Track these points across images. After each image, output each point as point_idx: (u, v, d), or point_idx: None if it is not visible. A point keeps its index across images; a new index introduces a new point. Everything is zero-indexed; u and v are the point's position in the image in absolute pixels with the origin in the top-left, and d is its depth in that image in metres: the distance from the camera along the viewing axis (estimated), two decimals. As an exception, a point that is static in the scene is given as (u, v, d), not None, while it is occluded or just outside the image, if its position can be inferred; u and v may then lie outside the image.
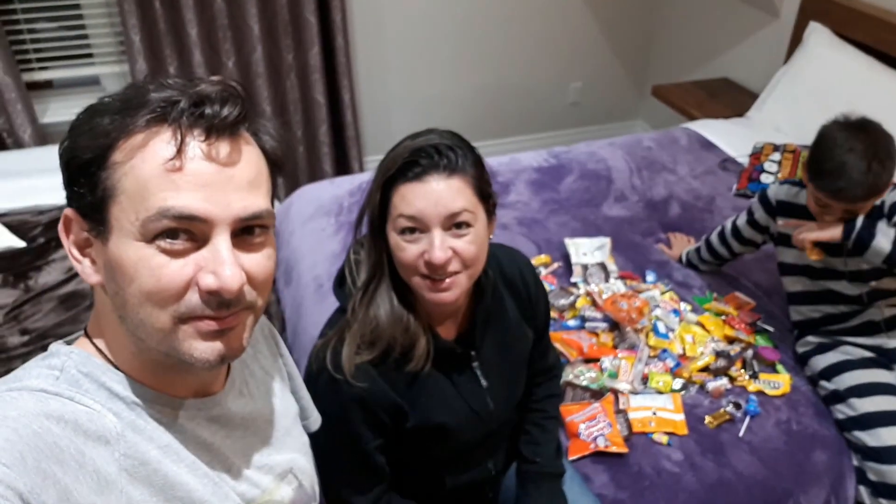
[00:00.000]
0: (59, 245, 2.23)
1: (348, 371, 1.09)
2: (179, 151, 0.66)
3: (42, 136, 2.92)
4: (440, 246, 1.03)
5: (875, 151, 1.53)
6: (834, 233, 1.61)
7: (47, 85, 3.10)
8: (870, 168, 1.52)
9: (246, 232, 0.71)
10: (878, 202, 1.63)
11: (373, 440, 1.16)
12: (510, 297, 1.30)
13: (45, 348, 0.74)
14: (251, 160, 0.72)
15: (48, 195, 2.35)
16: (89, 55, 3.02)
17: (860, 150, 1.53)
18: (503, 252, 1.33)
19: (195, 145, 0.67)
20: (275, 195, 0.78)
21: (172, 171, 0.66)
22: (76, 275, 2.14)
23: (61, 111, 3.03)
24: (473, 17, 3.47)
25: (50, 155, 2.69)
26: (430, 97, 3.62)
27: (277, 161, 0.77)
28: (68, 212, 0.71)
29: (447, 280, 1.06)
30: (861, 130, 1.57)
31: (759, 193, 1.89)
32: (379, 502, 1.21)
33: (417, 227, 1.05)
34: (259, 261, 0.73)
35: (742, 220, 1.94)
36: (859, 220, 1.59)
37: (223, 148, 0.69)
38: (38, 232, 2.27)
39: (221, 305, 0.69)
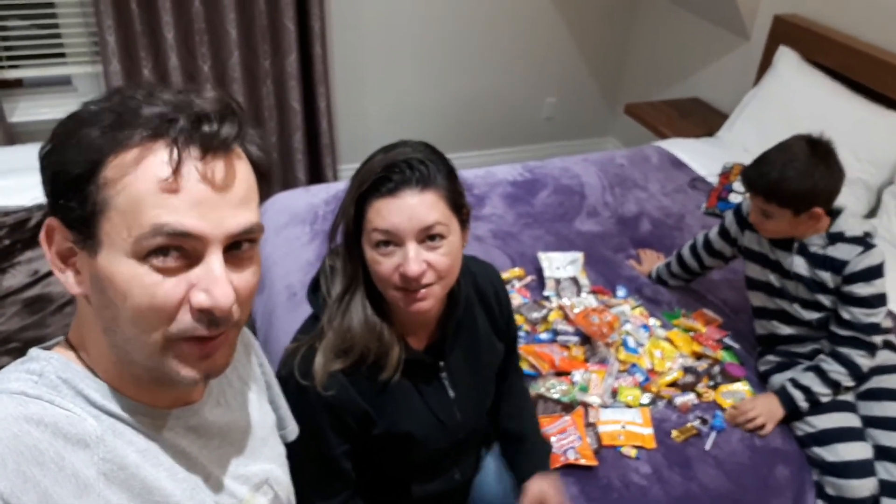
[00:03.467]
0: (25, 247, 2.18)
1: (320, 381, 1.10)
2: (176, 171, 0.65)
3: (10, 136, 2.86)
4: (415, 259, 1.05)
5: (803, 163, 1.57)
6: (775, 412, 1.71)
7: (17, 84, 3.04)
8: (784, 169, 1.57)
9: (234, 246, 0.71)
10: (837, 260, 1.66)
11: (339, 446, 1.17)
12: (482, 311, 1.32)
13: (8, 352, 0.73)
14: (243, 175, 0.72)
15: (15, 196, 2.30)
16: (62, 55, 2.98)
17: (790, 153, 1.59)
18: (477, 265, 1.35)
19: (191, 165, 0.66)
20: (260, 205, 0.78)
21: (167, 190, 0.65)
22: (42, 278, 2.10)
23: (31, 111, 2.97)
24: (452, 31, 3.50)
25: (18, 155, 2.66)
26: (405, 108, 3.63)
27: (265, 172, 0.77)
28: (51, 221, 0.70)
29: (422, 291, 1.08)
30: (811, 144, 1.62)
31: (734, 208, 1.93)
32: None
33: (392, 240, 1.06)
34: (247, 278, 0.73)
35: (713, 232, 1.98)
36: (794, 392, 1.69)
37: (219, 168, 0.68)
38: (4, 234, 2.22)
39: (212, 323, 0.69)
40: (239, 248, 0.72)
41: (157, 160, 0.65)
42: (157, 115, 0.66)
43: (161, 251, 0.66)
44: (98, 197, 0.66)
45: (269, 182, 0.79)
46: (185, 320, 0.68)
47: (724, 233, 1.94)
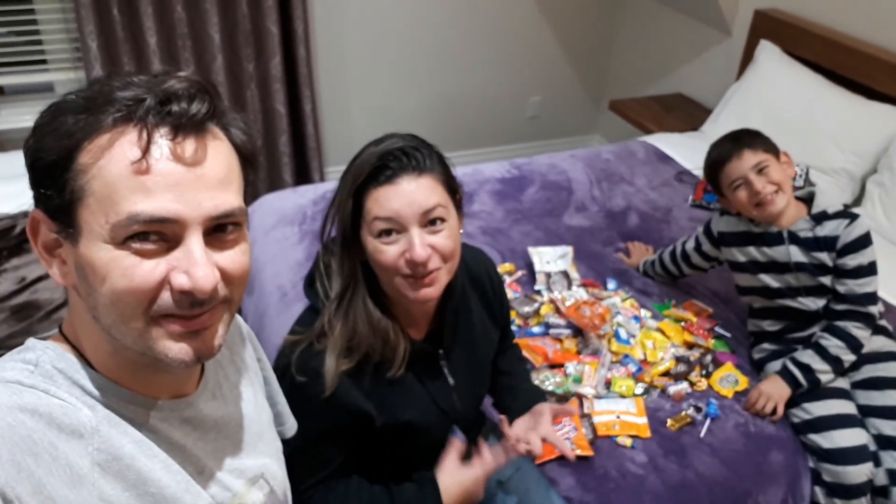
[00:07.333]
0: (11, 255, 2.16)
1: (331, 385, 1.09)
2: (145, 152, 0.65)
3: (-8, 144, 2.84)
4: (420, 244, 1.06)
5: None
6: (782, 392, 1.71)
7: (-2, 91, 3.02)
8: (735, 131, 1.80)
9: (218, 230, 0.70)
10: (825, 236, 1.69)
11: (333, 443, 1.16)
12: (476, 297, 1.33)
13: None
14: (221, 157, 0.71)
15: (-1, 203, 2.28)
16: (43, 61, 2.95)
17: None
18: (468, 252, 1.35)
19: (162, 144, 0.66)
20: (248, 190, 0.77)
21: (139, 172, 0.65)
22: (29, 285, 2.08)
23: (12, 118, 2.95)
24: (435, 32, 3.51)
25: (1, 163, 2.63)
26: (390, 109, 3.63)
27: (248, 155, 0.76)
28: (36, 213, 0.70)
29: (429, 276, 1.08)
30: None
31: (704, 226, 1.97)
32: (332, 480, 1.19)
33: (394, 228, 1.06)
34: (233, 257, 0.72)
35: (690, 246, 2.02)
36: (795, 371, 1.69)
37: (189, 146, 0.67)
38: (-11, 241, 2.20)
39: (194, 304, 0.68)
40: (223, 230, 0.71)
41: (127, 142, 0.65)
42: (128, 98, 0.66)
43: (140, 236, 0.66)
44: (75, 184, 0.65)
45: (254, 167, 0.78)
46: (165, 299, 0.67)
47: (699, 251, 1.98)
